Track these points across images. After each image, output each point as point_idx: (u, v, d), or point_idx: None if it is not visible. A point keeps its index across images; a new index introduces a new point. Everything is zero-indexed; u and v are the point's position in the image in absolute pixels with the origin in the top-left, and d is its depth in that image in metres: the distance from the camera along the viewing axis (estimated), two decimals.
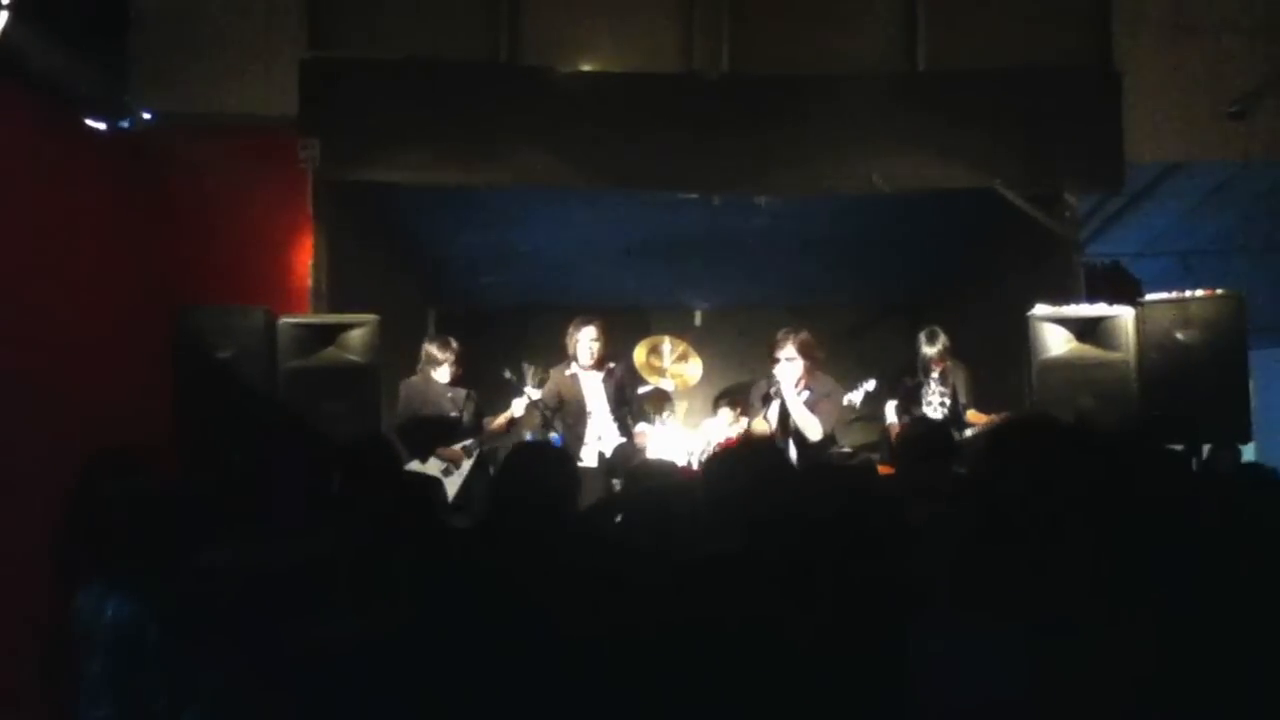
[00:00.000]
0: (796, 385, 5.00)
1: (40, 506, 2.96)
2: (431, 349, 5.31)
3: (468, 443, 5.27)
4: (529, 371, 5.40)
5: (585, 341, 5.25)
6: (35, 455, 3.63)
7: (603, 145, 5.20)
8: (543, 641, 1.99)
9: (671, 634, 1.88)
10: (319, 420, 4.16)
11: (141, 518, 2.37)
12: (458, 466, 5.25)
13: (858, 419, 5.74)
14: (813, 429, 4.89)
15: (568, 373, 5.31)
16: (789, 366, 4.95)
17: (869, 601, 1.92)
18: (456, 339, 5.43)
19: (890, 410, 5.45)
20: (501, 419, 5.32)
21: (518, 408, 5.30)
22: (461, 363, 5.31)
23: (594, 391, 5.34)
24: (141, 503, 2.42)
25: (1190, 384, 4.18)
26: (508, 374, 5.48)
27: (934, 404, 5.39)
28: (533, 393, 5.30)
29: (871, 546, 2.09)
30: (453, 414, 5.28)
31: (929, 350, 5.36)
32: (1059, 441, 1.91)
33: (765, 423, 5.05)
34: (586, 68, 5.35)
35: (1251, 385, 4.26)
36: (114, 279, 4.67)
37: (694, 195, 5.41)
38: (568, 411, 5.30)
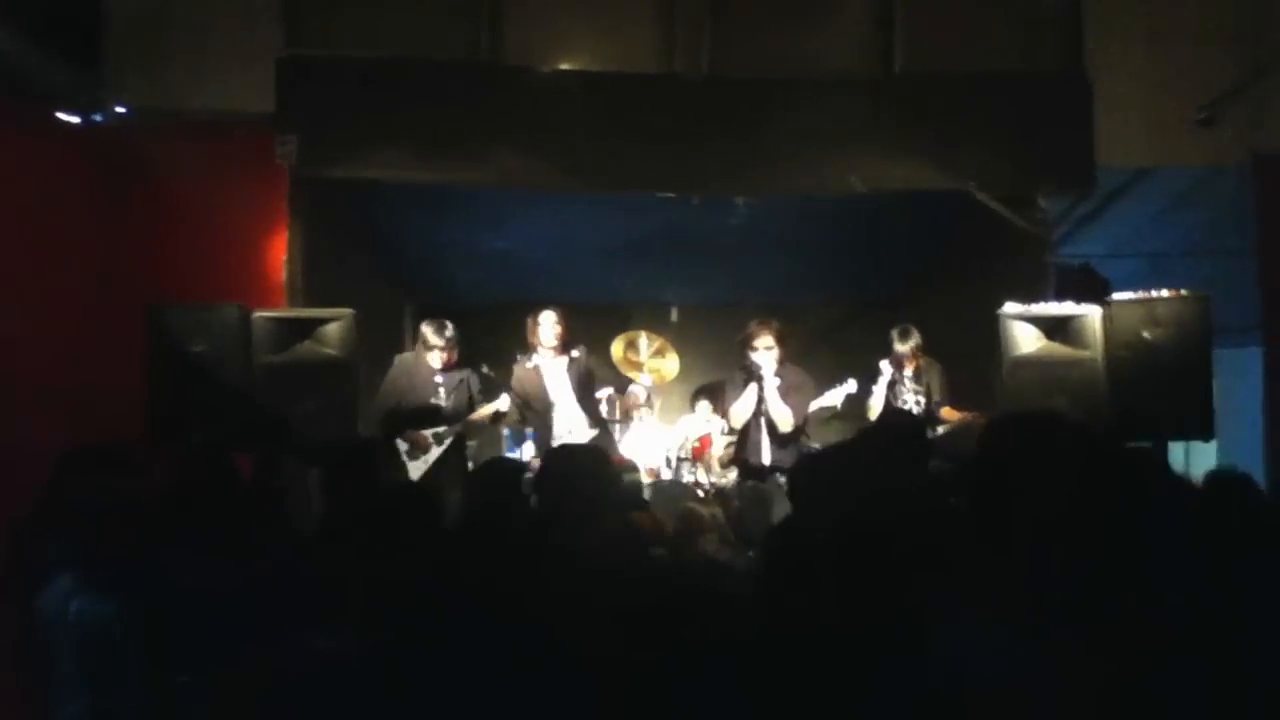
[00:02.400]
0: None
1: (11, 505, 2.95)
2: (426, 331, 5.21)
3: (440, 430, 5.23)
4: (490, 375, 5.43)
5: (548, 325, 5.25)
6: (6, 452, 3.60)
7: (582, 145, 5.19)
8: (543, 653, 1.97)
9: (673, 653, 1.87)
10: (295, 416, 4.12)
11: (111, 517, 2.36)
12: (424, 452, 5.22)
13: (835, 417, 5.79)
14: (784, 419, 4.92)
15: (529, 365, 5.31)
16: (768, 355, 4.99)
17: (875, 602, 1.93)
18: None
19: (877, 395, 5.45)
20: (485, 410, 5.32)
21: (503, 402, 5.31)
22: (453, 348, 5.26)
23: (558, 381, 5.33)
24: (112, 502, 2.41)
25: (1156, 382, 4.23)
26: (485, 369, 5.50)
27: (908, 401, 5.46)
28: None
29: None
30: (433, 400, 5.25)
31: (901, 347, 5.43)
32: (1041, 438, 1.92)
33: (742, 408, 5.08)
34: (567, 67, 5.34)
35: (1216, 385, 4.32)
36: (87, 274, 4.64)
37: (671, 196, 5.43)
38: (533, 405, 5.30)
